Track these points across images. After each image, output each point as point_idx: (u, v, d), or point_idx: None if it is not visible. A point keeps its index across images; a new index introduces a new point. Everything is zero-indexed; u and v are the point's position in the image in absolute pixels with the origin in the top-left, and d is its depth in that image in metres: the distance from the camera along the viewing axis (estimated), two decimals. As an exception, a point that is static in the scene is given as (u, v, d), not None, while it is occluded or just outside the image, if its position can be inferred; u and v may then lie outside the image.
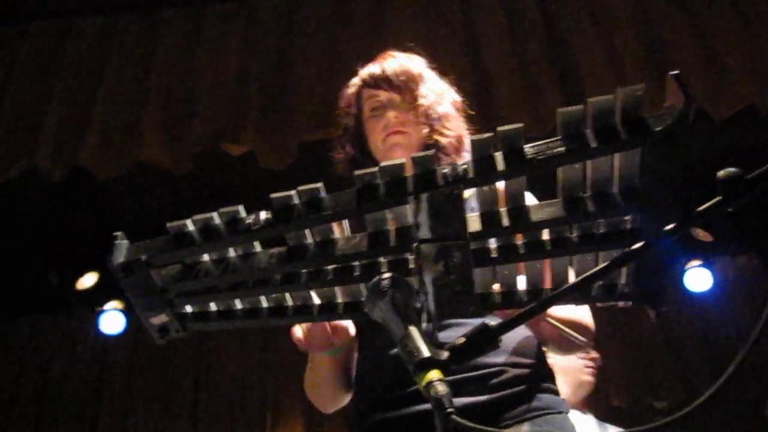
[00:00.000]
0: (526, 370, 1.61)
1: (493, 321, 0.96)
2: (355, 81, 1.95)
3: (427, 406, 1.52)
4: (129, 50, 3.77)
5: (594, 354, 2.60)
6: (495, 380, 1.56)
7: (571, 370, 2.54)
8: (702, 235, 4.68)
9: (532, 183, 1.16)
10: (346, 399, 1.80)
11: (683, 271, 4.74)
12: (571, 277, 1.21)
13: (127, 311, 4.55)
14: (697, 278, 4.74)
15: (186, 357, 5.12)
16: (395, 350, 1.60)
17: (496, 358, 1.59)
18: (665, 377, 4.82)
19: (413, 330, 0.91)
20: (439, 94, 1.89)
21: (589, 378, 2.64)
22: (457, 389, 0.99)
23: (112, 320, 4.57)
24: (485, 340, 0.88)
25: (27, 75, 3.69)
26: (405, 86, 1.85)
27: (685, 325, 4.96)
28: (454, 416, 0.79)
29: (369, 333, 1.69)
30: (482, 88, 3.56)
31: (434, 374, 0.84)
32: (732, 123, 3.57)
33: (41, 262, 4.68)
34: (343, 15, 3.83)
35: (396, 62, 1.90)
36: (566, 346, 1.71)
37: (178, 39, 3.81)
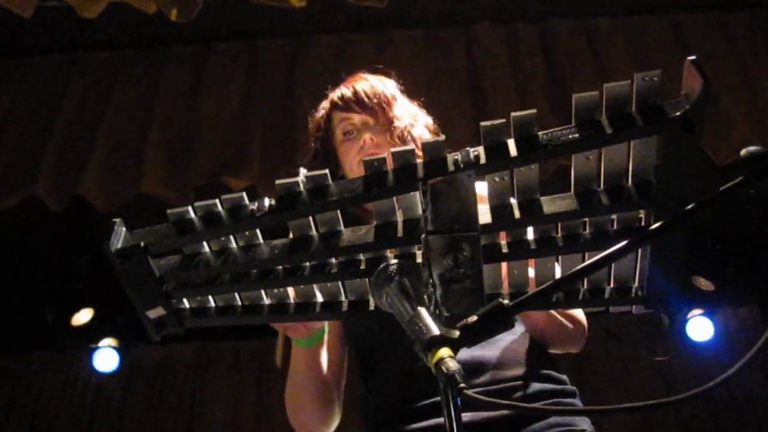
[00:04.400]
0: (549, 385, 1.56)
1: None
2: (325, 104, 1.85)
3: (441, 419, 1.49)
4: (134, 84, 3.79)
5: None
6: (518, 394, 1.51)
7: None
8: (704, 284, 4.63)
9: (543, 186, 1.13)
10: (330, 423, 1.68)
11: (685, 320, 4.68)
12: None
13: (120, 348, 4.46)
14: (699, 327, 4.69)
15: (178, 398, 5.02)
16: (405, 367, 1.57)
17: (515, 371, 1.54)
18: (664, 426, 4.73)
19: (422, 310, 0.87)
20: (413, 116, 1.80)
21: None
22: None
23: (105, 358, 4.48)
24: (498, 319, 0.84)
25: (31, 105, 3.69)
26: (378, 108, 1.75)
27: (685, 374, 4.90)
28: (466, 391, 0.75)
29: (376, 355, 1.65)
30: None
31: (445, 351, 0.80)
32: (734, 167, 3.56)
33: (36, 297, 4.61)
34: (347, 54, 3.86)
35: (367, 84, 1.79)
36: (559, 334, 1.64)
37: (183, 75, 3.83)
